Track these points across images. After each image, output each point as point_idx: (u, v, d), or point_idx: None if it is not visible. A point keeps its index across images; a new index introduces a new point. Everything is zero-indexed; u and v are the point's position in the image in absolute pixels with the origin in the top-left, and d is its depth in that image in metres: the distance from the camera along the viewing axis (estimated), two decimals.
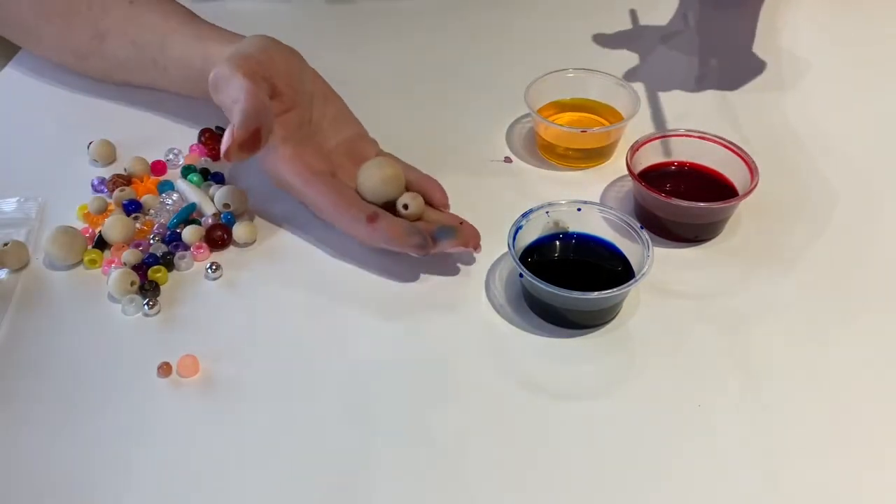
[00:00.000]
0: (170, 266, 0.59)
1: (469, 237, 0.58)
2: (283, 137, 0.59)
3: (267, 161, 0.59)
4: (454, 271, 0.59)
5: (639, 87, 0.68)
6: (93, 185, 0.65)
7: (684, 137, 0.63)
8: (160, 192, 0.64)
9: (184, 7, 0.69)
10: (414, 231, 0.56)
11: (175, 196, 0.63)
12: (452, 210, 0.61)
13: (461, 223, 0.59)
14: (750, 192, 0.59)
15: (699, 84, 0.76)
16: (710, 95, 0.75)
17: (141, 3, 0.68)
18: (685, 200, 0.58)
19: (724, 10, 0.86)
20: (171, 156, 0.68)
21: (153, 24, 0.67)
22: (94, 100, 0.73)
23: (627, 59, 0.78)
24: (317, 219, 0.61)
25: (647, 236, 0.56)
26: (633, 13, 0.84)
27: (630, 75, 0.75)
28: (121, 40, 0.68)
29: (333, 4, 0.86)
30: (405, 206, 0.58)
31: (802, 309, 0.57)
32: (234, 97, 0.56)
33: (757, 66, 0.78)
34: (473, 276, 0.59)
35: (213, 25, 0.67)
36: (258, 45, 0.60)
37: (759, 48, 0.80)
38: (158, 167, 0.67)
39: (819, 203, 0.64)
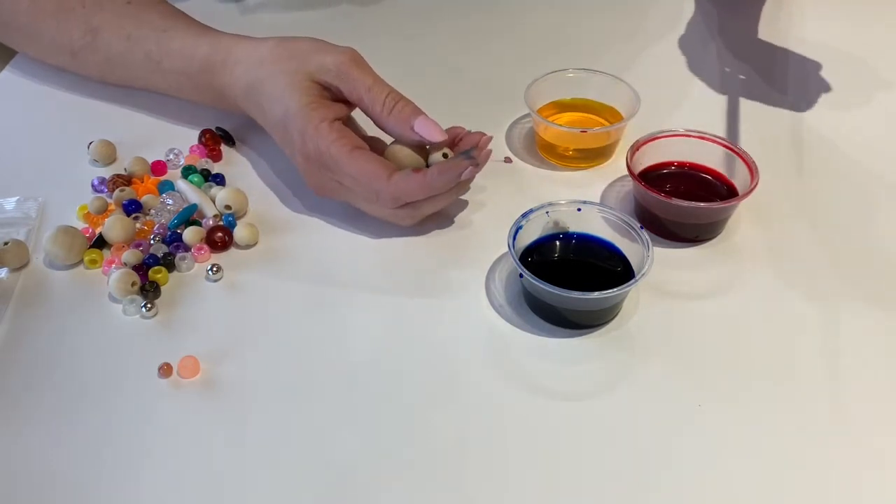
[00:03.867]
0: (170, 267, 0.59)
1: (480, 143, 0.60)
2: (331, 118, 0.59)
3: (320, 140, 0.59)
4: (454, 271, 0.59)
5: (639, 87, 0.68)
6: (93, 185, 0.65)
7: (684, 137, 0.63)
8: (160, 193, 0.64)
9: (182, 10, 0.70)
10: (457, 158, 0.58)
11: (176, 196, 0.63)
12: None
13: (461, 140, 0.61)
14: (750, 192, 0.59)
15: (699, 84, 0.76)
16: (710, 95, 0.75)
17: (139, 3, 0.69)
18: (685, 200, 0.58)
19: (725, 10, 0.86)
20: (171, 156, 0.68)
21: (151, 20, 0.68)
22: (95, 100, 0.73)
23: (628, 59, 0.78)
24: (318, 221, 0.62)
25: (647, 236, 0.56)
26: (633, 13, 0.84)
27: (630, 75, 0.75)
28: (115, 34, 0.68)
29: (332, 5, 0.86)
30: (445, 156, 0.59)
31: (802, 309, 0.57)
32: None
33: (757, 67, 0.78)
34: (473, 276, 0.59)
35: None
36: (335, 67, 0.60)
37: (759, 48, 0.80)
38: (158, 167, 0.67)
39: (819, 203, 0.64)
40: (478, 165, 0.58)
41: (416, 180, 0.57)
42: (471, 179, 0.59)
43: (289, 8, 0.85)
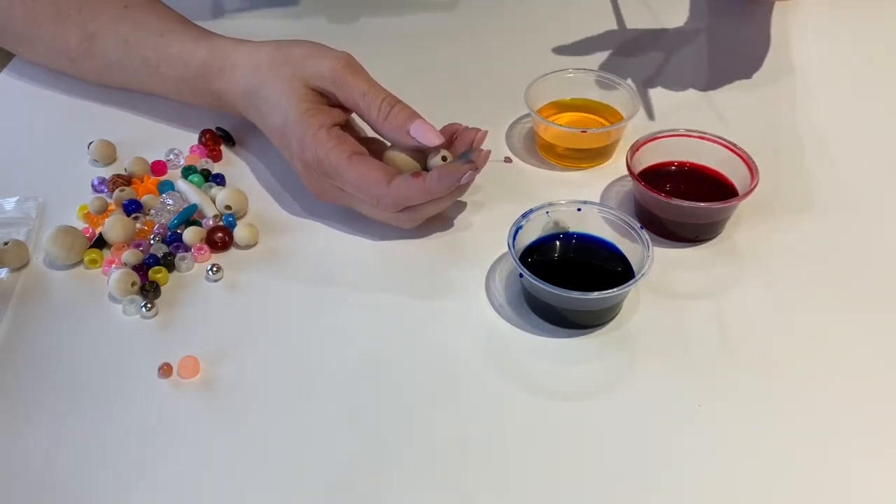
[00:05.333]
0: (170, 267, 0.59)
1: (476, 140, 0.60)
2: (329, 125, 0.59)
3: (319, 148, 0.59)
4: (455, 271, 0.59)
5: (639, 88, 0.68)
6: (93, 185, 0.65)
7: (684, 137, 0.63)
8: (160, 193, 0.64)
9: (179, 13, 0.70)
10: (456, 162, 0.58)
11: (176, 196, 0.63)
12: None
13: (456, 138, 0.61)
14: (750, 192, 0.59)
15: (699, 84, 0.76)
16: (710, 95, 0.75)
17: (136, 6, 0.69)
18: (685, 200, 0.58)
19: (725, 10, 0.86)
20: (171, 156, 0.68)
21: (148, 24, 0.68)
22: (95, 100, 0.73)
23: (628, 59, 0.78)
24: (318, 221, 0.62)
25: (647, 236, 0.56)
26: (633, 13, 0.84)
27: (631, 75, 0.75)
28: (111, 39, 0.68)
29: (331, 5, 0.86)
30: (444, 158, 0.59)
31: (802, 309, 0.57)
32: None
33: (758, 67, 0.78)
34: (473, 276, 0.59)
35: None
36: (330, 73, 0.60)
37: (760, 49, 0.80)
38: (158, 167, 0.67)
39: (819, 203, 0.64)
40: (477, 168, 0.58)
41: (416, 185, 0.57)
42: (471, 182, 0.59)
43: (287, 8, 0.85)
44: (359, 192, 0.59)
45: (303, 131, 0.59)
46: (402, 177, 0.58)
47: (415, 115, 0.59)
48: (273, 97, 0.61)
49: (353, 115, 0.63)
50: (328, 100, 0.61)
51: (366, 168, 0.58)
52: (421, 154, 0.60)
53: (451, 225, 0.63)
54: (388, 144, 0.61)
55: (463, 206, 0.64)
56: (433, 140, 0.58)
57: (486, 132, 0.60)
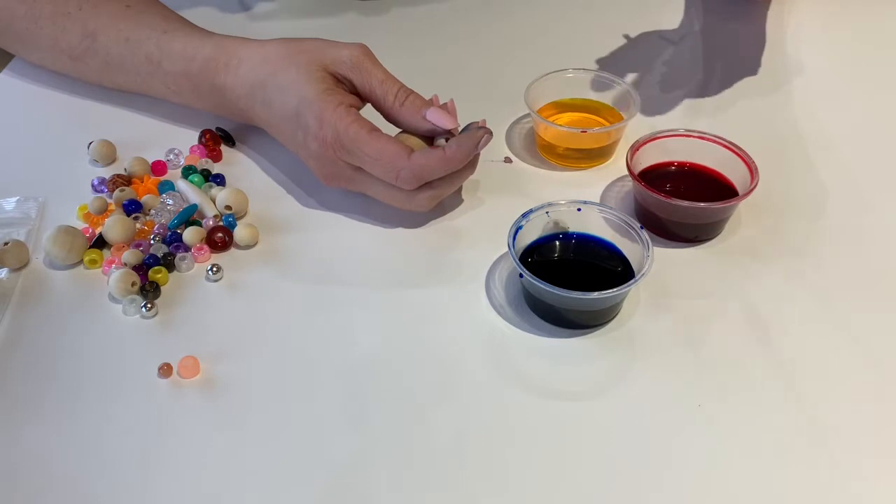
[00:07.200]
0: (170, 267, 0.59)
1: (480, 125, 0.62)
2: (349, 104, 0.60)
3: (339, 122, 0.59)
4: (454, 272, 0.59)
5: (639, 88, 0.68)
6: (93, 185, 0.66)
7: (684, 137, 0.63)
8: (160, 193, 0.64)
9: (180, 14, 0.70)
10: (471, 130, 0.60)
11: (176, 196, 0.63)
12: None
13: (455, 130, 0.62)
14: (750, 192, 0.59)
15: (699, 84, 0.76)
16: (709, 95, 0.75)
17: (138, 6, 0.69)
18: (685, 200, 0.58)
19: (724, 10, 0.86)
20: (171, 156, 0.68)
21: (151, 22, 0.68)
22: (94, 100, 0.73)
23: (628, 59, 0.78)
24: (318, 221, 0.62)
25: (647, 236, 0.56)
26: (633, 13, 0.84)
27: (631, 75, 0.75)
28: (113, 37, 0.68)
29: (329, 5, 0.86)
30: (446, 140, 0.60)
31: (802, 308, 0.57)
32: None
33: (757, 67, 0.78)
34: (473, 277, 0.59)
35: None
36: (350, 59, 0.61)
37: (759, 48, 0.80)
38: (159, 167, 0.67)
39: (819, 203, 0.64)
40: (490, 132, 0.60)
41: (436, 156, 0.58)
42: (478, 159, 0.61)
43: (287, 15, 0.85)
44: (378, 167, 0.59)
45: (322, 107, 0.59)
46: (421, 150, 0.59)
47: (429, 103, 0.61)
48: (287, 81, 0.61)
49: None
50: (344, 86, 0.62)
51: (385, 142, 0.58)
52: (429, 141, 0.61)
53: (452, 225, 0.63)
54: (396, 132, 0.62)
55: (463, 205, 0.64)
56: (448, 124, 0.60)
57: (483, 120, 0.61)
